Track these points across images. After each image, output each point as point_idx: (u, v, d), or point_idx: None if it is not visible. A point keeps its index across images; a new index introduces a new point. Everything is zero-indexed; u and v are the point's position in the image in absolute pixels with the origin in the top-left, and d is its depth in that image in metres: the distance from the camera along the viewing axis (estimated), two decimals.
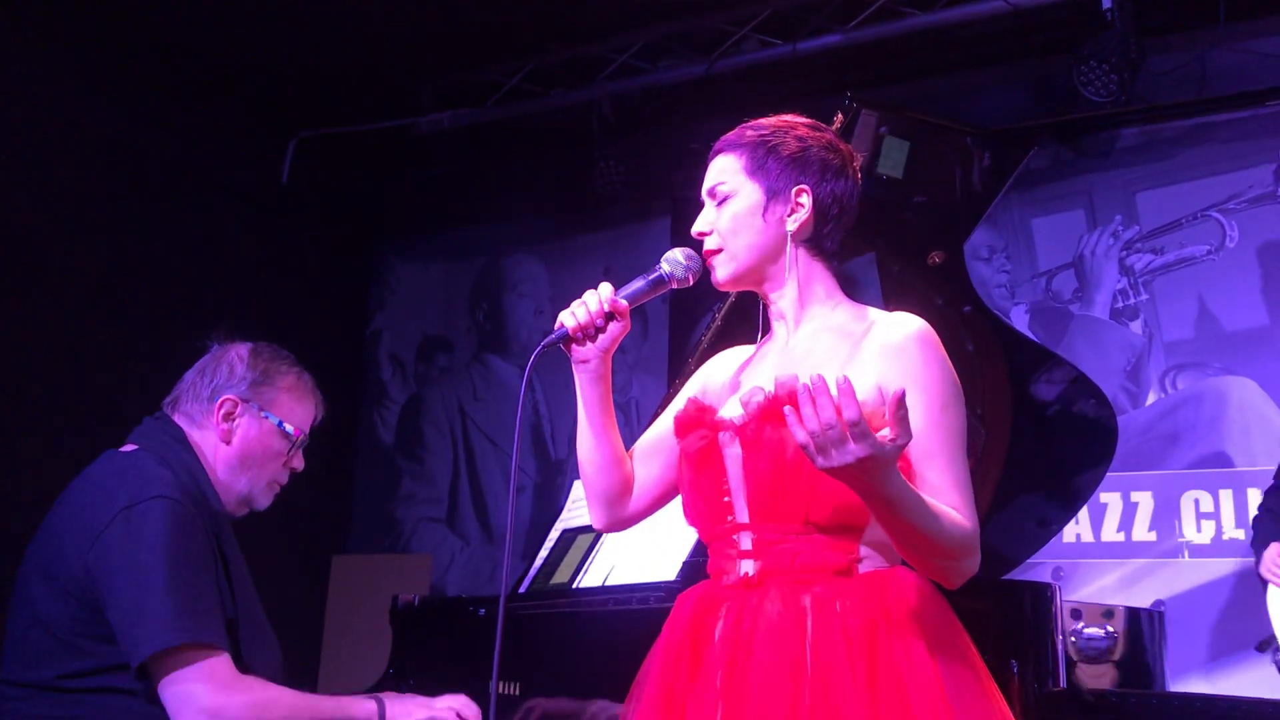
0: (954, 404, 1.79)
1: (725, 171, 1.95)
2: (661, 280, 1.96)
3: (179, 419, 2.40)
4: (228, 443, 2.38)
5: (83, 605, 2.15)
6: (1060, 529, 3.50)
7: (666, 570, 2.59)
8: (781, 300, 1.94)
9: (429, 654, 2.97)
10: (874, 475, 1.58)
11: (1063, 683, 2.27)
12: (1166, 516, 4.91)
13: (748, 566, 1.79)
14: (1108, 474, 3.28)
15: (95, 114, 5.41)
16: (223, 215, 6.04)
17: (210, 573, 2.21)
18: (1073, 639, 2.43)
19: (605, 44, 5.71)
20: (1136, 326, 5.20)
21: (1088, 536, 5.01)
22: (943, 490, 1.74)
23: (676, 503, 2.01)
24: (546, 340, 1.91)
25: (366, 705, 2.27)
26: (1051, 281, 5.39)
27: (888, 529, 1.70)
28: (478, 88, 6.04)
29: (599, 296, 1.91)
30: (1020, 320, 5.34)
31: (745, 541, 1.80)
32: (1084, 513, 4.84)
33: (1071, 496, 3.41)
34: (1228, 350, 5.01)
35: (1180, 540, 4.86)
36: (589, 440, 1.98)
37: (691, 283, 1.97)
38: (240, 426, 2.39)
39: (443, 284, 7.02)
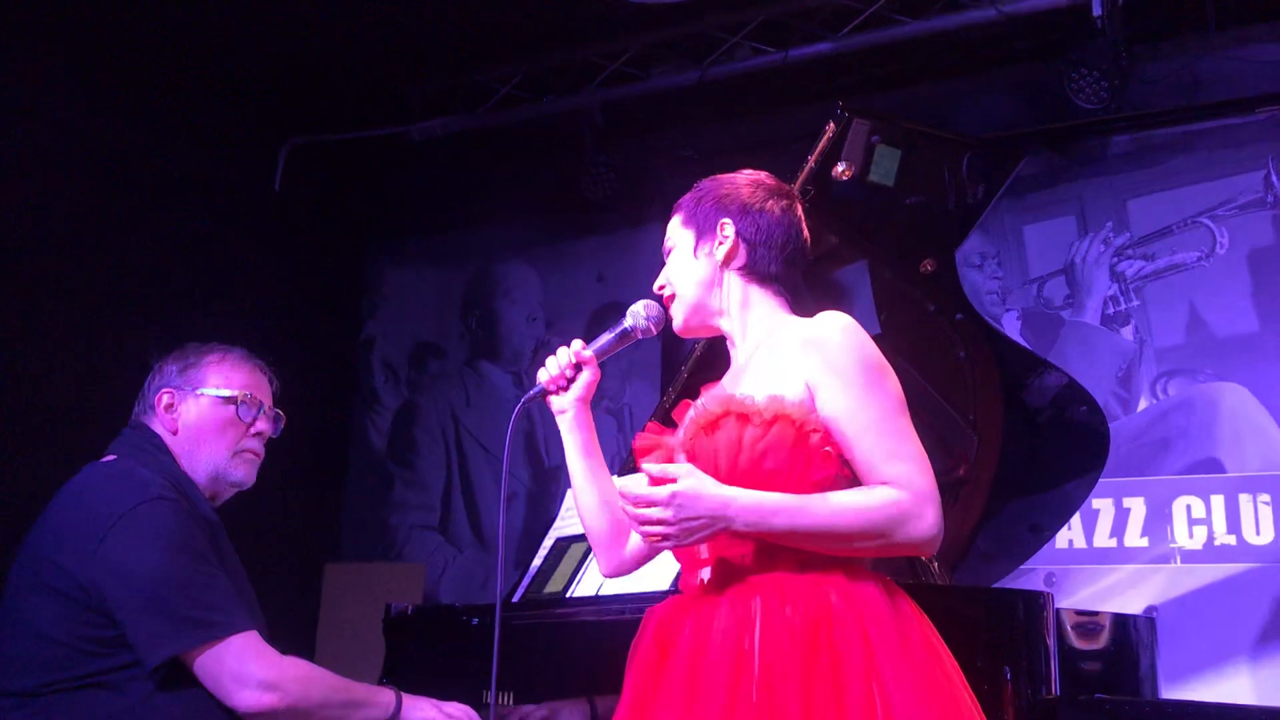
0: (877, 380, 1.89)
1: (670, 229, 2.17)
2: (626, 333, 2.15)
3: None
4: (175, 432, 2.43)
5: (86, 609, 2.17)
6: (1052, 535, 3.51)
7: (660, 580, 2.59)
8: (729, 327, 2.10)
9: (422, 663, 2.96)
10: (725, 524, 1.79)
11: (1056, 689, 2.27)
12: (1158, 522, 4.92)
13: (705, 574, 1.92)
14: (1100, 480, 3.30)
15: (88, 120, 5.39)
16: (215, 222, 6.02)
17: (216, 563, 2.27)
18: (1065, 646, 2.43)
19: (597, 50, 5.71)
20: (1128, 333, 5.22)
21: (1080, 542, 5.02)
22: (873, 467, 1.85)
23: None
24: (525, 397, 2.12)
25: (386, 693, 2.34)
26: (1043, 288, 5.40)
27: (794, 546, 1.82)
28: (470, 94, 6.04)
29: (568, 350, 2.10)
30: (1012, 327, 5.35)
31: (703, 550, 1.92)
32: (1076, 519, 4.84)
33: (1064, 503, 3.42)
34: (1219, 356, 5.02)
35: (1172, 546, 4.87)
36: (577, 485, 2.12)
37: (655, 333, 2.15)
38: (180, 413, 2.45)
39: (435, 290, 7.01)
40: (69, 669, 2.16)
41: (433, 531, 6.62)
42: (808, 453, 1.84)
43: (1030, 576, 4.79)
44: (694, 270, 2.10)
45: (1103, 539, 4.99)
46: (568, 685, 2.54)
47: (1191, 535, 4.84)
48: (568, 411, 2.11)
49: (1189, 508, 4.87)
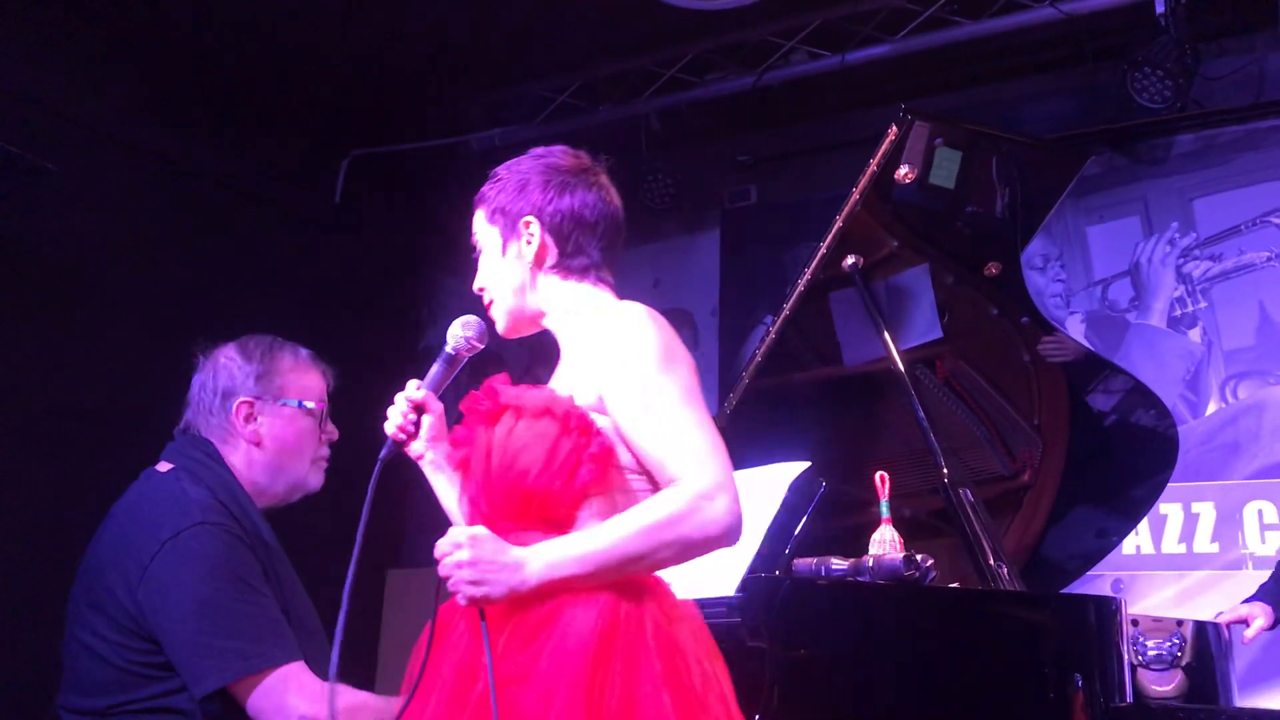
0: (661, 371, 1.79)
1: (476, 225, 2.09)
2: (452, 358, 2.14)
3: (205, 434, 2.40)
4: (259, 444, 2.37)
5: (135, 635, 2.15)
6: (1120, 540, 3.46)
7: (726, 585, 2.57)
8: (553, 326, 2.03)
9: None
10: (520, 581, 1.69)
11: (1129, 697, 2.23)
12: (1229, 528, 4.83)
13: None
14: (1168, 484, 3.24)
15: (149, 135, 5.48)
16: (275, 234, 6.09)
17: (264, 590, 2.21)
18: (1137, 653, 2.39)
19: (653, 58, 5.72)
20: (1195, 335, 5.13)
21: (1148, 548, 4.94)
22: (659, 469, 1.76)
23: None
24: (381, 456, 2.03)
25: None
26: (1107, 290, 5.33)
27: (601, 581, 1.73)
28: (528, 103, 6.07)
29: (404, 397, 2.08)
30: (1076, 330, 5.28)
31: None
32: (1144, 524, 4.75)
33: (1131, 508, 3.37)
34: None
35: (1244, 552, 4.78)
36: (456, 523, 2.02)
37: (480, 346, 2.14)
38: (265, 424, 2.38)
39: None
40: (131, 691, 2.15)
41: None
42: (570, 453, 1.77)
43: (1097, 582, 4.71)
44: (506, 274, 2.02)
45: (1171, 544, 4.90)
46: None
47: (1264, 540, 4.74)
48: (425, 455, 2.09)
49: (1260, 512, 4.77)
